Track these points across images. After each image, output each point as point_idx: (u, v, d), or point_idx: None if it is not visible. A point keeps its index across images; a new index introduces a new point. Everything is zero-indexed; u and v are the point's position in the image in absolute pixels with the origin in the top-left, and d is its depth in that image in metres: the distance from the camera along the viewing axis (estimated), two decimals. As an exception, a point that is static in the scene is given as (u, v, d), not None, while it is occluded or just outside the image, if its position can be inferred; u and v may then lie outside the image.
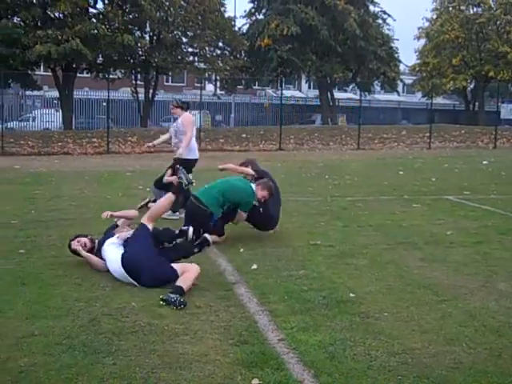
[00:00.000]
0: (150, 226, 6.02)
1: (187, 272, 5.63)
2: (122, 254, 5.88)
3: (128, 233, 6.29)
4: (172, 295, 5.21)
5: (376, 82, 44.04)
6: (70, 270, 6.31)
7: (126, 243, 6.06)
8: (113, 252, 6.04)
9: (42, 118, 36.12)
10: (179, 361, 4.15)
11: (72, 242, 6.49)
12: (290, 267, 6.53)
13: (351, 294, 5.54)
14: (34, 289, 5.65)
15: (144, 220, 6.09)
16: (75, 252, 6.45)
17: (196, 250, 6.18)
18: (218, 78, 39.35)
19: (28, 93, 38.80)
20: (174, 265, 5.77)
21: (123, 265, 5.78)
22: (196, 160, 9.62)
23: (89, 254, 6.32)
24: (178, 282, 5.46)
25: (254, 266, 6.49)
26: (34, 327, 4.67)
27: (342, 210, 10.18)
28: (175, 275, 5.61)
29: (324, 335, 4.58)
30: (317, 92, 47.36)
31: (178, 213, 9.09)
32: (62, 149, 22.84)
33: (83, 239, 6.49)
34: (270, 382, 3.82)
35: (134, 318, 4.92)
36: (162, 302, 5.19)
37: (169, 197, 6.40)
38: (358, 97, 38.97)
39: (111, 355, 4.22)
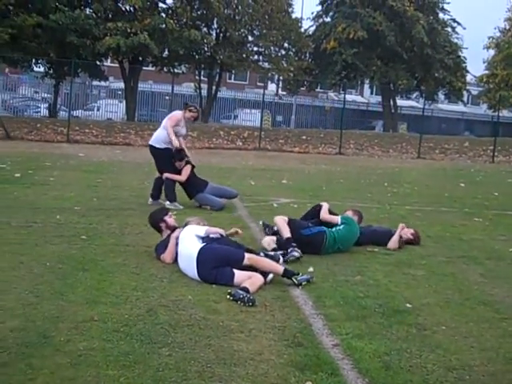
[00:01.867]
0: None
1: (253, 278, 5.62)
2: (202, 246, 5.96)
3: (216, 231, 6.33)
4: (241, 291, 5.26)
5: (441, 91, 43.30)
6: (129, 259, 6.42)
7: (209, 240, 6.14)
8: (193, 242, 6.08)
9: (106, 108, 36.88)
10: (234, 357, 4.17)
11: (168, 219, 6.65)
12: (347, 272, 6.48)
13: (408, 305, 5.46)
14: (95, 275, 5.77)
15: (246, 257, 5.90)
16: (166, 226, 6.63)
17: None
18: (280, 78, 39.38)
19: (94, 83, 39.65)
20: (241, 271, 5.75)
21: (199, 252, 5.85)
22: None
23: (174, 241, 6.33)
24: (245, 284, 5.45)
25: (311, 269, 6.46)
26: (94, 312, 4.77)
27: (400, 219, 10.01)
28: (232, 278, 5.66)
29: (379, 344, 4.53)
30: (379, 98, 46.92)
31: (176, 203, 9.63)
32: (124, 139, 23.24)
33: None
34: (324, 386, 3.80)
35: (190, 311, 4.97)
36: (229, 297, 5.23)
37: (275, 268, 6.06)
38: (420, 105, 38.42)
39: (167, 346, 4.27)
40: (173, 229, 6.56)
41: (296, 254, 6.77)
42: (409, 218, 10.17)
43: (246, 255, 5.86)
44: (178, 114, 9.91)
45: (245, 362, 4.11)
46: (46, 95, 39.67)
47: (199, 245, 5.96)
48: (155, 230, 6.81)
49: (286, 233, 7.01)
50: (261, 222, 8.04)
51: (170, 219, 6.71)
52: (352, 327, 4.83)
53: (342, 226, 7.39)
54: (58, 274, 5.72)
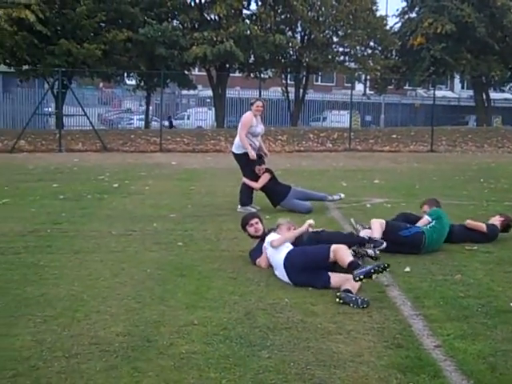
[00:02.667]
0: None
1: (352, 280, 5.46)
2: (290, 251, 6.01)
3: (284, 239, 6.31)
4: (351, 294, 5.23)
5: (537, 81, 41.61)
6: (225, 264, 6.52)
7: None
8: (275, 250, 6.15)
9: (196, 116, 37.64)
10: (333, 359, 4.16)
11: (249, 228, 6.73)
12: (445, 272, 6.34)
13: (512, 304, 5.28)
14: (193, 280, 5.90)
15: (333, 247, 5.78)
16: (249, 236, 6.78)
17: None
18: (368, 77, 38.96)
19: (183, 92, 40.55)
20: (336, 274, 5.73)
21: (286, 257, 5.90)
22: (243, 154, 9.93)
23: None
24: (346, 287, 5.41)
25: (407, 269, 6.36)
26: (194, 317, 4.88)
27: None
28: (328, 281, 5.65)
29: (484, 345, 4.40)
30: (470, 92, 45.59)
31: (248, 207, 9.79)
32: (215, 146, 23.58)
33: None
34: (427, 388, 3.74)
35: (288, 314, 5.00)
36: (338, 300, 5.21)
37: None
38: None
39: (266, 349, 4.31)
40: (262, 235, 6.60)
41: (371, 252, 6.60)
42: (508, 214, 9.81)
43: (332, 247, 5.71)
44: (247, 116, 9.95)
45: (344, 363, 4.09)
46: (137, 107, 40.97)
47: (285, 250, 6.01)
48: None
49: (377, 234, 6.91)
50: (352, 220, 7.99)
51: (251, 228, 6.69)
52: (454, 328, 4.72)
53: (434, 222, 7.28)
54: (158, 280, 5.89)
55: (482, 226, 7.78)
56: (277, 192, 9.84)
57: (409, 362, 4.11)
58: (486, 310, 5.14)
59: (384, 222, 7.14)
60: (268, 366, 4.04)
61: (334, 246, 5.71)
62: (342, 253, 5.64)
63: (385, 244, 6.57)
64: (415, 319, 4.96)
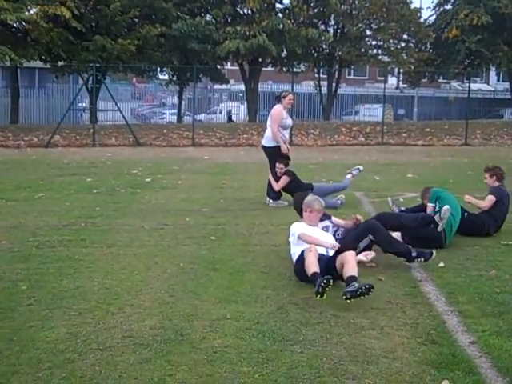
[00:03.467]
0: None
1: (348, 262, 5.34)
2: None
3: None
4: (353, 288, 4.99)
5: None
6: (258, 258, 6.53)
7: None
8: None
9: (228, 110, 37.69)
10: (366, 355, 4.14)
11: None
12: (480, 267, 6.26)
13: (550, 300, 5.19)
14: (225, 274, 5.92)
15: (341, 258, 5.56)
16: None
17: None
18: (401, 71, 38.55)
19: (216, 86, 40.64)
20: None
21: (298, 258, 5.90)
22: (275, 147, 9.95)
23: None
24: (348, 273, 5.23)
25: (441, 264, 6.30)
26: (226, 311, 4.90)
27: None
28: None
29: (520, 341, 4.34)
30: (506, 85, 44.81)
31: (279, 201, 9.87)
32: (247, 140, 23.57)
33: None
34: (462, 385, 3.69)
35: (320, 309, 4.98)
36: (347, 301, 4.98)
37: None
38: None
39: (299, 343, 4.31)
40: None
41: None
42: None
43: (340, 258, 5.50)
44: (277, 109, 9.89)
45: (377, 359, 4.07)
46: (170, 101, 41.22)
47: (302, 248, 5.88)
48: None
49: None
50: (389, 199, 8.27)
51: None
52: (489, 324, 4.67)
53: (438, 206, 7.22)
54: (191, 274, 5.92)
55: (480, 203, 7.77)
56: (300, 191, 9.76)
57: (443, 358, 4.07)
58: (523, 306, 5.07)
59: (399, 234, 7.00)
60: (300, 360, 4.04)
61: (343, 257, 5.45)
62: (347, 266, 5.33)
63: (434, 253, 6.25)
64: (449, 315, 4.91)
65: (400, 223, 6.96)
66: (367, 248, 6.36)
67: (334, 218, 6.97)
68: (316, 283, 5.08)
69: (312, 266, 5.37)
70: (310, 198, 6.37)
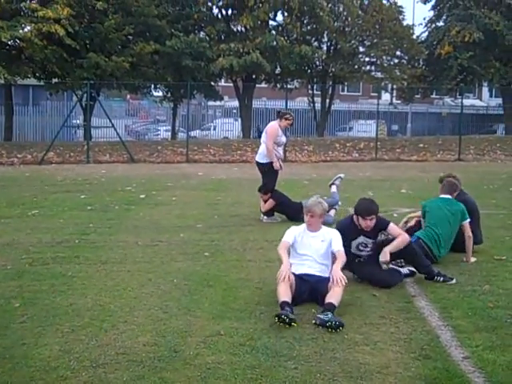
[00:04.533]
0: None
1: (335, 286, 5.29)
2: None
3: None
4: (325, 317, 4.92)
5: None
6: (252, 274, 6.53)
7: None
8: None
9: (222, 127, 37.77)
10: (360, 370, 4.14)
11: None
12: (473, 282, 6.27)
13: (542, 315, 5.20)
14: (219, 290, 5.91)
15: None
16: None
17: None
18: (394, 87, 38.78)
19: (210, 103, 40.74)
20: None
21: None
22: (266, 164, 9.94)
23: None
24: (329, 299, 5.19)
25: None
26: (220, 327, 4.89)
27: None
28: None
29: (513, 356, 4.34)
30: (499, 100, 45.10)
31: (273, 217, 9.86)
32: (241, 157, 23.62)
33: None
34: (455, 400, 3.69)
35: (314, 325, 4.97)
36: (316, 325, 4.93)
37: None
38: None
39: (292, 359, 4.30)
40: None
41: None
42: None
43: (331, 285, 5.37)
44: (274, 126, 9.90)
45: (371, 375, 4.07)
46: (164, 118, 41.32)
47: None
48: None
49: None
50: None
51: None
52: (482, 339, 4.67)
53: (425, 221, 7.25)
54: (185, 290, 5.91)
55: (470, 245, 7.20)
56: (292, 208, 9.77)
57: (437, 373, 4.07)
58: (516, 320, 5.08)
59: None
60: (294, 376, 4.03)
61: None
62: (333, 291, 5.26)
63: (455, 280, 6.26)
64: (443, 330, 4.91)
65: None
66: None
67: (391, 225, 6.32)
68: (281, 313, 4.96)
69: (283, 294, 5.22)
70: (312, 200, 6.01)
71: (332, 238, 5.82)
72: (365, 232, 6.21)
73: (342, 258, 5.63)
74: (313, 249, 5.79)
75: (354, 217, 6.29)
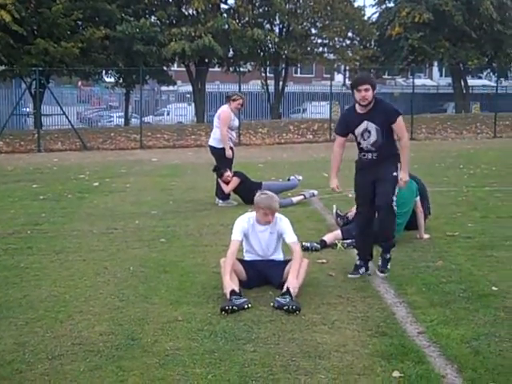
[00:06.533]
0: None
1: (295, 270, 5.26)
2: None
3: None
4: (282, 300, 4.95)
5: (514, 67, 41.82)
6: (208, 258, 6.51)
7: None
8: None
9: (176, 112, 37.47)
10: (318, 350, 4.17)
11: None
12: (427, 258, 6.38)
13: (494, 288, 5.33)
14: (176, 276, 5.89)
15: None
16: None
17: None
18: (347, 68, 38.99)
19: (163, 88, 40.35)
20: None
21: None
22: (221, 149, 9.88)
23: None
24: (289, 283, 5.14)
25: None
26: (178, 313, 4.87)
27: (479, 201, 9.81)
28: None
29: (466, 329, 4.43)
30: (449, 80, 45.79)
31: (229, 200, 9.85)
32: (195, 141, 23.51)
33: None
34: (412, 375, 3.75)
35: (271, 307, 4.98)
36: (275, 308, 4.95)
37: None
38: (493, 83, 37.26)
39: (251, 342, 4.31)
40: None
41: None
42: (488, 199, 9.92)
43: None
44: (225, 110, 9.85)
45: (329, 354, 4.10)
46: (116, 104, 40.78)
47: None
48: None
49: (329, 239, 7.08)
50: (334, 208, 8.11)
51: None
52: (436, 314, 4.76)
53: None
54: (141, 278, 5.86)
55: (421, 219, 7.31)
56: (248, 190, 9.77)
57: (393, 349, 4.13)
58: (468, 294, 5.18)
59: (339, 232, 7.19)
60: (253, 359, 4.04)
61: (294, 263, 5.34)
62: (292, 275, 5.22)
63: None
64: (398, 306, 4.99)
65: None
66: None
67: (400, 119, 5.89)
68: (231, 303, 4.92)
69: (227, 286, 5.13)
70: (265, 197, 5.64)
71: (282, 229, 5.60)
72: (367, 115, 5.78)
73: (297, 254, 5.41)
74: (262, 242, 5.65)
75: (356, 105, 5.86)
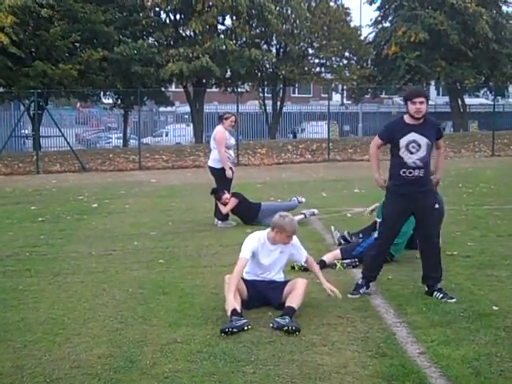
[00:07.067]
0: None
1: (295, 289, 5.32)
2: None
3: None
4: (282, 321, 4.93)
5: (511, 86, 42.04)
6: (207, 280, 6.49)
7: None
8: None
9: (174, 132, 37.55)
10: (318, 371, 4.14)
11: None
12: (427, 278, 6.34)
13: (494, 307, 5.30)
14: (175, 298, 5.86)
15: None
16: None
17: None
18: (344, 87, 39.18)
19: (161, 109, 40.46)
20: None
21: None
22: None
23: None
24: (289, 302, 5.19)
25: (390, 277, 6.37)
26: (176, 335, 4.84)
27: (478, 219, 9.80)
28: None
29: (467, 349, 4.41)
30: (446, 98, 45.95)
31: (227, 221, 9.87)
32: (194, 162, 23.54)
33: None
34: (413, 396, 3.72)
35: (271, 328, 4.95)
36: (274, 329, 4.92)
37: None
38: (490, 102, 37.40)
39: (251, 364, 4.28)
40: None
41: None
42: (487, 217, 9.91)
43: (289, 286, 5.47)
44: (220, 130, 9.90)
45: (329, 375, 4.07)
46: (115, 125, 40.87)
47: None
48: None
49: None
50: (332, 228, 8.14)
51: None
52: (437, 334, 4.73)
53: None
54: (140, 299, 5.83)
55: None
56: (247, 213, 9.81)
57: (393, 370, 4.10)
58: (469, 314, 5.16)
59: (338, 252, 7.19)
60: (253, 381, 4.01)
61: (295, 283, 5.41)
62: (293, 294, 5.27)
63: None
64: (399, 327, 4.96)
65: None
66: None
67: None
68: (231, 325, 4.89)
69: (230, 304, 5.11)
70: (288, 220, 5.56)
71: (292, 249, 5.63)
72: (416, 127, 5.64)
73: (316, 266, 5.76)
74: (271, 261, 5.62)
75: (405, 115, 5.77)
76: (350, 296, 5.76)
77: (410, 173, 5.64)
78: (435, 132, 5.77)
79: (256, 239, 5.61)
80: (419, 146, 5.60)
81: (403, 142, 5.63)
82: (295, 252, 5.68)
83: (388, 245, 6.01)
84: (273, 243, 5.59)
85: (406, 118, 5.73)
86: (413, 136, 5.62)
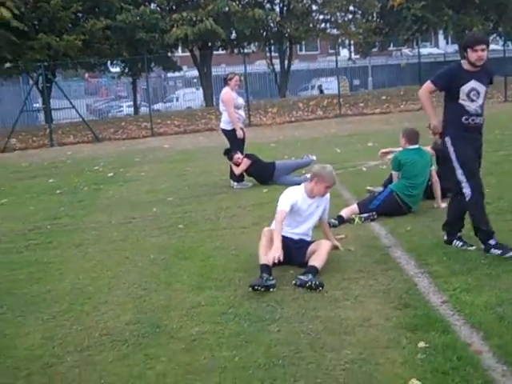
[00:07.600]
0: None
1: (320, 249, 5.35)
2: None
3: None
4: (305, 277, 4.98)
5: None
6: (227, 242, 6.54)
7: None
8: None
9: (185, 97, 37.43)
10: (342, 326, 4.19)
11: None
12: (446, 228, 6.35)
13: (515, 252, 5.30)
14: (196, 261, 5.92)
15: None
16: None
17: None
18: (351, 42, 38.67)
19: (169, 74, 40.25)
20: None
21: None
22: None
23: None
24: (312, 262, 5.22)
25: (408, 228, 6.39)
26: (200, 298, 4.90)
27: (493, 165, 9.72)
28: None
29: (490, 296, 4.43)
30: (456, 46, 45.29)
31: (243, 182, 9.87)
32: (206, 125, 23.50)
33: None
34: (438, 345, 3.75)
35: (293, 285, 5.00)
36: (296, 286, 4.99)
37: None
38: (500, 47, 36.77)
39: (275, 322, 4.33)
40: None
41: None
42: (503, 163, 9.87)
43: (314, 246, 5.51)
44: (226, 92, 9.90)
45: (354, 329, 4.12)
46: (125, 94, 40.79)
47: None
48: None
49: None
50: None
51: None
52: (459, 282, 4.75)
53: (399, 173, 7.23)
54: (162, 265, 5.90)
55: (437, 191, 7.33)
56: (261, 171, 9.82)
57: (417, 320, 4.14)
58: (489, 260, 5.18)
59: (355, 206, 7.18)
60: (279, 339, 4.07)
61: (318, 244, 5.45)
62: (317, 254, 5.30)
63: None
64: (420, 277, 4.99)
65: None
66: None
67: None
68: (261, 282, 4.95)
69: (262, 258, 5.19)
70: (329, 170, 5.58)
71: (325, 203, 5.70)
72: (476, 75, 5.49)
73: (327, 225, 5.95)
74: (308, 214, 5.63)
75: (462, 61, 5.58)
76: (507, 256, 5.23)
77: (473, 120, 5.54)
78: (489, 76, 5.69)
79: (295, 192, 5.61)
80: (478, 93, 5.50)
81: (465, 89, 5.48)
82: (327, 206, 5.74)
83: (481, 183, 5.81)
84: (310, 195, 5.59)
85: (465, 65, 5.53)
86: (473, 83, 5.48)
